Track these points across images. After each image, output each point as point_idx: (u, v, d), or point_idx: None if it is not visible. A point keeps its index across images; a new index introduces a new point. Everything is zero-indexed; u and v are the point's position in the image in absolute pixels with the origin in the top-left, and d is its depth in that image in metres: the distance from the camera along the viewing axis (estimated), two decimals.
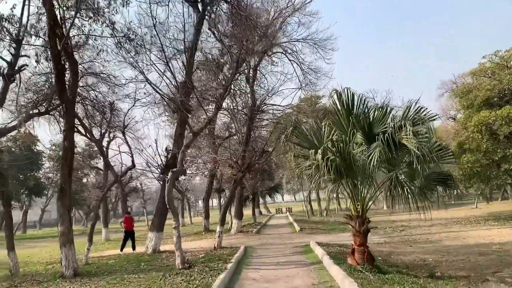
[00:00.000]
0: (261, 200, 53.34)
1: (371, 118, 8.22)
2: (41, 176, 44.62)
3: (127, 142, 19.25)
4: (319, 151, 7.74)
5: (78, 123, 21.42)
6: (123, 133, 20.99)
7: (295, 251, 13.11)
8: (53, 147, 46.43)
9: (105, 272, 11.69)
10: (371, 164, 7.00)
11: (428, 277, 8.02)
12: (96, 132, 25.10)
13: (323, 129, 8.98)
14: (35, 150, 41.29)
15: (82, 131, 21.42)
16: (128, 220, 18.59)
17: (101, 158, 26.63)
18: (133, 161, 18.12)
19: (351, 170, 7.87)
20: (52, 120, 18.55)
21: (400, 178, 7.83)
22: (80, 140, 34.33)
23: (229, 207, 30.15)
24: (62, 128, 12.49)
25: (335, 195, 46.66)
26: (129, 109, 20.84)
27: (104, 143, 26.62)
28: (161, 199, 15.68)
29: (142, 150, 16.29)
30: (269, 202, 66.07)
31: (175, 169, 10.49)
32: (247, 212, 31.00)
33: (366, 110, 8.23)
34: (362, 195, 8.13)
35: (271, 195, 31.41)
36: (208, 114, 20.01)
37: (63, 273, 10.63)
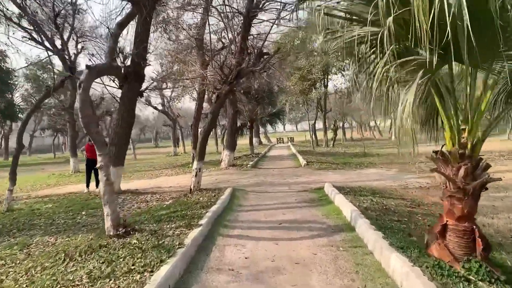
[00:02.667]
0: (261, 129, 49.33)
1: None
2: (16, 98, 40.03)
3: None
4: None
5: (32, 28, 16.63)
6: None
7: (304, 198, 9.02)
8: (30, 67, 41.43)
9: (18, 227, 7.80)
10: None
11: None
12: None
13: None
14: (3, 68, 36.18)
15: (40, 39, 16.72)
16: (91, 148, 14.07)
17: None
18: (71, 68, 13.45)
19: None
20: None
21: None
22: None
23: (220, 135, 26.08)
24: None
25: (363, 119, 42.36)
26: None
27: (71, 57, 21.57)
28: (119, 122, 11.35)
29: (93, 54, 11.62)
30: (270, 132, 62.26)
31: (93, 65, 5.91)
32: (245, 141, 27.03)
33: None
34: (479, 105, 3.56)
35: (272, 123, 27.09)
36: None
37: None
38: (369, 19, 3.25)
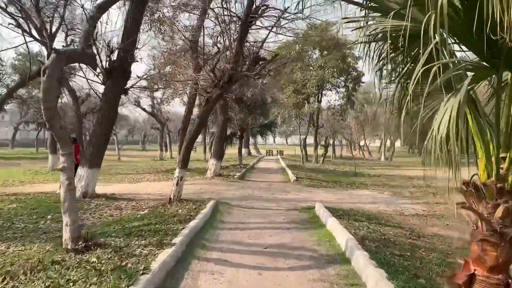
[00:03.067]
0: (251, 140, 48.64)
1: None
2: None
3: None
4: None
5: (19, 15, 15.83)
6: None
7: (293, 218, 8.27)
8: (19, 57, 40.23)
9: None
10: None
11: None
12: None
13: None
14: None
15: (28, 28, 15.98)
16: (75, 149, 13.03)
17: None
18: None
19: None
20: None
21: None
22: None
23: (209, 143, 25.32)
24: None
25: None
26: None
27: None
28: (100, 120, 10.51)
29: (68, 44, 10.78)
30: (260, 143, 61.62)
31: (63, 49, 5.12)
32: (233, 151, 26.29)
33: None
34: None
35: (262, 134, 26.43)
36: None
37: None
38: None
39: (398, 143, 61.10)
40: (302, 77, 29.32)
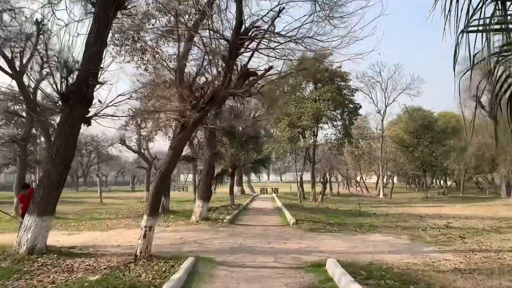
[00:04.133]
0: (244, 178, 46.38)
1: None
2: None
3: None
4: None
5: None
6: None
7: (298, 283, 6.08)
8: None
9: None
10: None
11: None
12: None
13: None
14: None
15: None
16: (26, 199, 9.96)
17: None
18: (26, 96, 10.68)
19: None
20: None
21: None
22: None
23: (199, 181, 23.17)
24: None
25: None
26: None
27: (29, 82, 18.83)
28: (53, 156, 8.44)
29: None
30: (253, 181, 59.32)
31: None
32: (225, 189, 23.98)
33: None
34: None
35: (256, 171, 24.36)
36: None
37: None
38: None
39: (395, 179, 59.32)
40: (296, 111, 27.76)
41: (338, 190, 57.04)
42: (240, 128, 22.20)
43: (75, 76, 8.72)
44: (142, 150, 34.69)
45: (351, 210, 22.94)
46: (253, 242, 10.21)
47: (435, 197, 39.46)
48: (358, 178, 56.64)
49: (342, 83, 31.22)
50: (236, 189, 40.99)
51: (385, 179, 50.06)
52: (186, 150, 22.71)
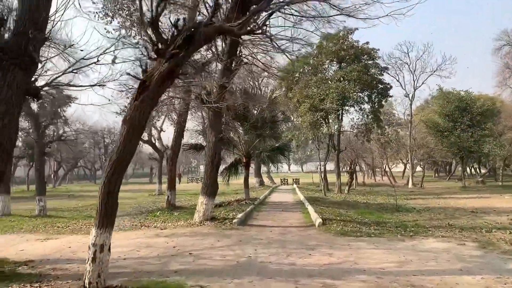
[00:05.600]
0: (263, 168, 43.67)
1: None
2: None
3: None
4: None
5: None
6: None
7: None
8: None
9: None
10: None
11: None
12: None
13: None
14: None
15: None
16: None
17: None
18: None
19: None
20: None
21: None
22: None
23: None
24: None
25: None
26: None
27: None
28: None
29: None
30: (273, 172, 56.63)
31: None
32: (242, 181, 21.28)
33: None
34: None
35: (274, 161, 21.62)
36: None
37: None
38: None
39: (419, 168, 55.45)
40: (318, 92, 24.77)
41: (364, 180, 53.78)
42: (255, 111, 19.50)
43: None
44: (153, 140, 32.49)
45: (384, 203, 20.01)
46: (267, 253, 7.57)
47: (472, 186, 35.81)
48: (385, 167, 53.12)
49: (370, 62, 27.91)
50: (254, 180, 38.46)
51: (411, 168, 46.22)
52: (197, 137, 20.16)
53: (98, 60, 6.88)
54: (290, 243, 8.62)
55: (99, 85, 7.31)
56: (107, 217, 4.68)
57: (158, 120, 28.51)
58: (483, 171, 52.97)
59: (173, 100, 16.64)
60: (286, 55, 10.45)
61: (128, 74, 4.97)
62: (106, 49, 6.99)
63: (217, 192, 11.97)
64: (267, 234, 9.88)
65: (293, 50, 9.82)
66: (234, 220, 11.24)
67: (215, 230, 10.34)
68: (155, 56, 4.41)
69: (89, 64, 6.89)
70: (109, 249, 4.86)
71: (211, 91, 11.62)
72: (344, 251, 7.75)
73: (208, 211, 11.33)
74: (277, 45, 8.11)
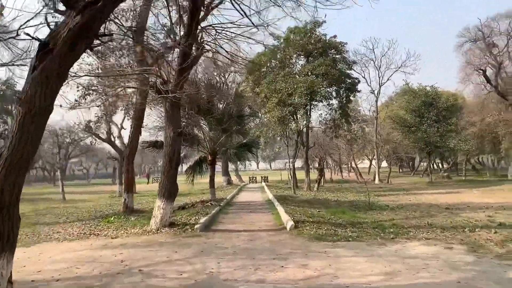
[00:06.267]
0: (231, 166, 42.35)
1: None
2: None
3: None
4: None
5: None
6: None
7: None
8: None
9: None
10: None
11: None
12: None
13: None
14: None
15: None
16: None
17: None
18: None
19: None
20: None
21: None
22: None
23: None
24: None
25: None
26: None
27: None
28: None
29: None
30: (241, 170, 55.51)
31: None
32: (207, 179, 19.87)
33: None
34: None
35: (241, 158, 20.42)
36: None
37: None
38: None
39: (384, 163, 56.06)
40: (286, 86, 23.82)
41: (331, 176, 53.71)
42: (221, 105, 18.25)
43: None
44: (112, 139, 30.50)
45: (355, 201, 19.33)
46: (232, 267, 6.39)
47: (438, 181, 36.24)
48: (352, 163, 53.28)
49: (338, 56, 27.31)
50: (222, 179, 37.14)
51: (377, 164, 46.42)
52: (157, 134, 18.56)
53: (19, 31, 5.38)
54: (259, 252, 7.47)
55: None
56: (1, 240, 3.32)
57: (114, 114, 26.46)
58: (445, 166, 54.26)
59: (130, 94, 15.15)
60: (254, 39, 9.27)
61: (27, 34, 3.61)
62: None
63: (176, 194, 10.62)
64: (233, 241, 8.69)
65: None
66: (196, 226, 9.97)
67: (174, 238, 9.03)
68: (64, 7, 3.13)
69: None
70: (11, 281, 3.50)
71: (168, 80, 10.27)
72: (321, 261, 6.70)
73: (166, 216, 9.98)
74: (245, 14, 6.94)
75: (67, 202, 24.44)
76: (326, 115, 28.15)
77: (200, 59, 13.46)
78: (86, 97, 16.28)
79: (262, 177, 42.49)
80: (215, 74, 19.93)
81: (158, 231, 9.68)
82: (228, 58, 12.69)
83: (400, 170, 67.36)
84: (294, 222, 10.22)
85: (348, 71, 27.21)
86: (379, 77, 44.80)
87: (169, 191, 10.11)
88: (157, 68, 10.09)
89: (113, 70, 11.47)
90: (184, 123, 17.34)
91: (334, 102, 27.61)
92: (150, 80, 10.92)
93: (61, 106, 15.63)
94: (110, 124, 29.62)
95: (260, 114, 29.79)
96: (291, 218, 10.85)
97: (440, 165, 59.29)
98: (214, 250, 7.75)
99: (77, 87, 14.25)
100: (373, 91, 45.79)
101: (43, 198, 26.95)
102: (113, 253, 7.77)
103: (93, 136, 29.45)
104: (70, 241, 9.55)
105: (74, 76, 9.44)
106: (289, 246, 8.05)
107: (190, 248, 7.93)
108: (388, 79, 47.94)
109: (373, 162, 52.08)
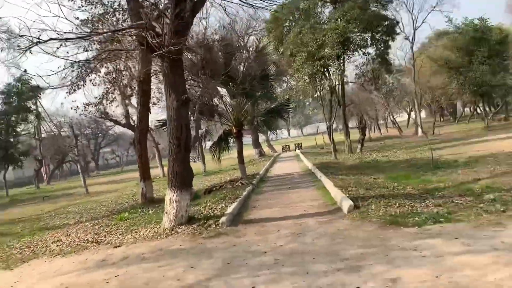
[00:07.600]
0: (261, 137, 39.78)
1: None
2: None
3: None
4: None
5: None
6: None
7: None
8: None
9: None
10: None
11: None
12: None
13: None
14: None
15: None
16: None
17: None
18: None
19: None
20: None
21: None
22: None
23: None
24: None
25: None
26: None
27: None
28: None
29: None
30: (272, 140, 52.94)
31: None
32: (234, 155, 17.41)
33: None
34: None
35: (271, 126, 17.76)
36: None
37: None
38: None
39: (422, 114, 51.58)
40: (315, 37, 20.62)
41: (370, 134, 50.23)
42: (241, 67, 15.54)
43: None
44: (132, 123, 28.48)
45: (411, 159, 16.37)
46: None
47: (495, 125, 32.22)
48: (390, 118, 49.54)
49: None
50: (253, 151, 34.75)
51: (419, 115, 42.33)
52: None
53: None
54: (313, 259, 4.93)
55: None
56: None
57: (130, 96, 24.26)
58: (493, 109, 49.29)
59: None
60: None
61: None
62: None
63: (192, 180, 8.17)
64: (272, 238, 6.20)
65: None
66: (222, 219, 7.53)
67: (191, 241, 6.63)
68: None
69: None
70: None
71: (163, 33, 7.63)
72: (418, 267, 4.10)
73: (181, 210, 7.57)
74: None
75: (90, 195, 22.93)
76: (363, 66, 24.71)
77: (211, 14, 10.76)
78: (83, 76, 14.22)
79: (295, 145, 39.86)
80: (230, 30, 17.10)
81: (173, 232, 7.31)
82: (241, 5, 9.89)
83: (441, 119, 62.43)
84: (351, 200, 7.58)
85: (383, 12, 23.47)
86: (413, 20, 40.08)
87: (182, 178, 7.66)
88: (146, 16, 7.48)
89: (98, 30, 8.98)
90: (198, 93, 14.86)
91: (371, 50, 24.11)
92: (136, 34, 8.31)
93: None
94: (127, 107, 27.53)
95: (287, 77, 26.83)
96: (345, 194, 8.21)
97: (488, 108, 54.17)
98: (247, 259, 5.29)
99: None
100: (407, 37, 41.23)
101: (68, 194, 25.63)
102: (107, 274, 5.51)
103: (111, 121, 27.50)
104: (63, 255, 7.40)
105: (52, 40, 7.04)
106: (356, 241, 5.46)
107: (212, 259, 5.51)
108: (423, 22, 43.21)
109: (412, 114, 48.06)
